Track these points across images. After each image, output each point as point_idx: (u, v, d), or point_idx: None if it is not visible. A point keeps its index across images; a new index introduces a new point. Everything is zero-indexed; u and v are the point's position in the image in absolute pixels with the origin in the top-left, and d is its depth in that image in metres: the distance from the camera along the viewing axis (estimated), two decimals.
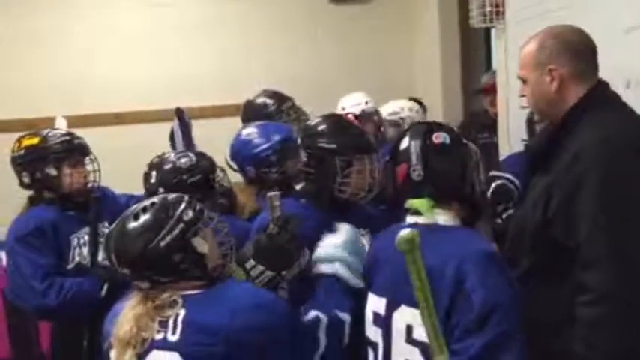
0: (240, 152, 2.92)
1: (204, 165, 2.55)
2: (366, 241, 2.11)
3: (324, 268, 1.92)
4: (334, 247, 1.93)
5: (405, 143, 1.84)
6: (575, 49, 1.90)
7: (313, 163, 2.18)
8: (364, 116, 3.56)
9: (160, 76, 4.78)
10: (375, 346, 1.79)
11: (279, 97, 3.48)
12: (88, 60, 4.71)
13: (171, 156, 2.58)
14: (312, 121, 2.32)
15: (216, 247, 1.82)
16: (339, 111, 3.76)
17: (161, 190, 2.37)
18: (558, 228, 1.78)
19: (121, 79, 4.74)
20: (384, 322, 1.76)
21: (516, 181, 2.97)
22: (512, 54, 3.86)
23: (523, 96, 2.01)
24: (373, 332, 1.80)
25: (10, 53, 4.57)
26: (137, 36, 4.81)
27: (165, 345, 1.64)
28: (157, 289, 1.70)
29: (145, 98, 4.74)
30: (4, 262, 2.78)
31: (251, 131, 2.94)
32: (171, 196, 1.80)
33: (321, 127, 2.22)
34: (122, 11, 4.80)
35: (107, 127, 4.65)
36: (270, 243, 1.90)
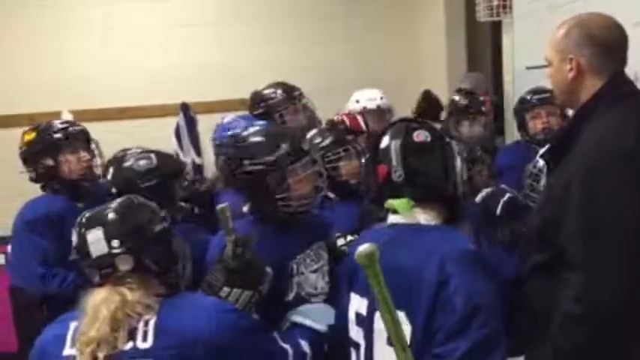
0: None
1: (165, 169, 2.35)
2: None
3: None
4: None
5: (385, 142, 1.78)
6: (598, 42, 1.85)
7: (248, 185, 2.04)
8: (378, 112, 3.49)
9: (165, 71, 4.78)
10: (357, 346, 1.76)
11: (287, 86, 3.44)
12: (93, 55, 4.71)
13: (133, 155, 2.41)
14: (233, 139, 2.11)
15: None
16: (352, 104, 3.69)
17: (113, 190, 2.28)
18: (551, 227, 1.78)
19: (126, 74, 4.74)
20: (365, 322, 1.72)
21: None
22: (518, 48, 3.84)
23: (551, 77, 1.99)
24: (355, 333, 1.77)
25: (15, 49, 4.56)
26: (142, 30, 4.80)
27: (136, 354, 1.56)
28: (133, 277, 1.63)
29: (149, 93, 4.74)
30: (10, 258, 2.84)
31: None
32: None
33: (243, 147, 2.04)
34: (127, 6, 4.79)
35: (112, 121, 4.65)
36: (240, 263, 1.84)
